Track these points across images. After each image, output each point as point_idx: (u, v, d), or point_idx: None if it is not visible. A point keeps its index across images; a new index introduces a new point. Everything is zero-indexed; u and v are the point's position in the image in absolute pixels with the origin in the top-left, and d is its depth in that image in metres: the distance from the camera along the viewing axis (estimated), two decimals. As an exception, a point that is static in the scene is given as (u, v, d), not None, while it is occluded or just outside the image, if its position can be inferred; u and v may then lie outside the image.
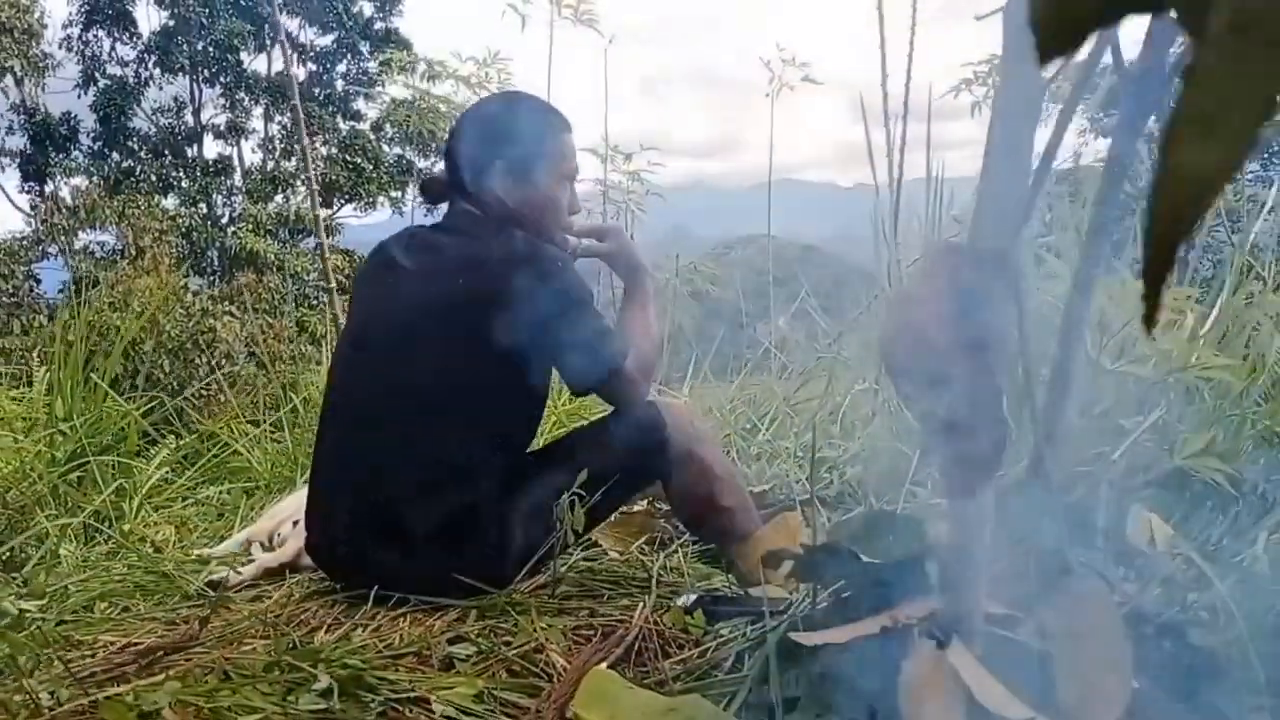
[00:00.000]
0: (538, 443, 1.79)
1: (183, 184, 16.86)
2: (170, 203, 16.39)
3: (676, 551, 1.91)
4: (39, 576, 1.94)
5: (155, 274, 13.40)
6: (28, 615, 1.65)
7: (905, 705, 1.11)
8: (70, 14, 16.08)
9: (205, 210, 16.73)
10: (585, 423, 2.11)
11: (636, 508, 2.11)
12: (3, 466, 2.46)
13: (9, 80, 15.01)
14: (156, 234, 14.49)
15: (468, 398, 1.58)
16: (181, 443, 3.22)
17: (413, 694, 1.24)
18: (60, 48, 15.94)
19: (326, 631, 1.50)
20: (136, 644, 1.49)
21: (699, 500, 1.70)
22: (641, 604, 1.51)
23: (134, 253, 14.06)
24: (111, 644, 1.51)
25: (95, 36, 16.32)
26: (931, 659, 1.14)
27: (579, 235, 1.77)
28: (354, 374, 1.68)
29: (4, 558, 2.16)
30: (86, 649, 1.51)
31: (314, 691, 1.20)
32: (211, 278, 15.83)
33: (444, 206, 1.77)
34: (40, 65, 15.12)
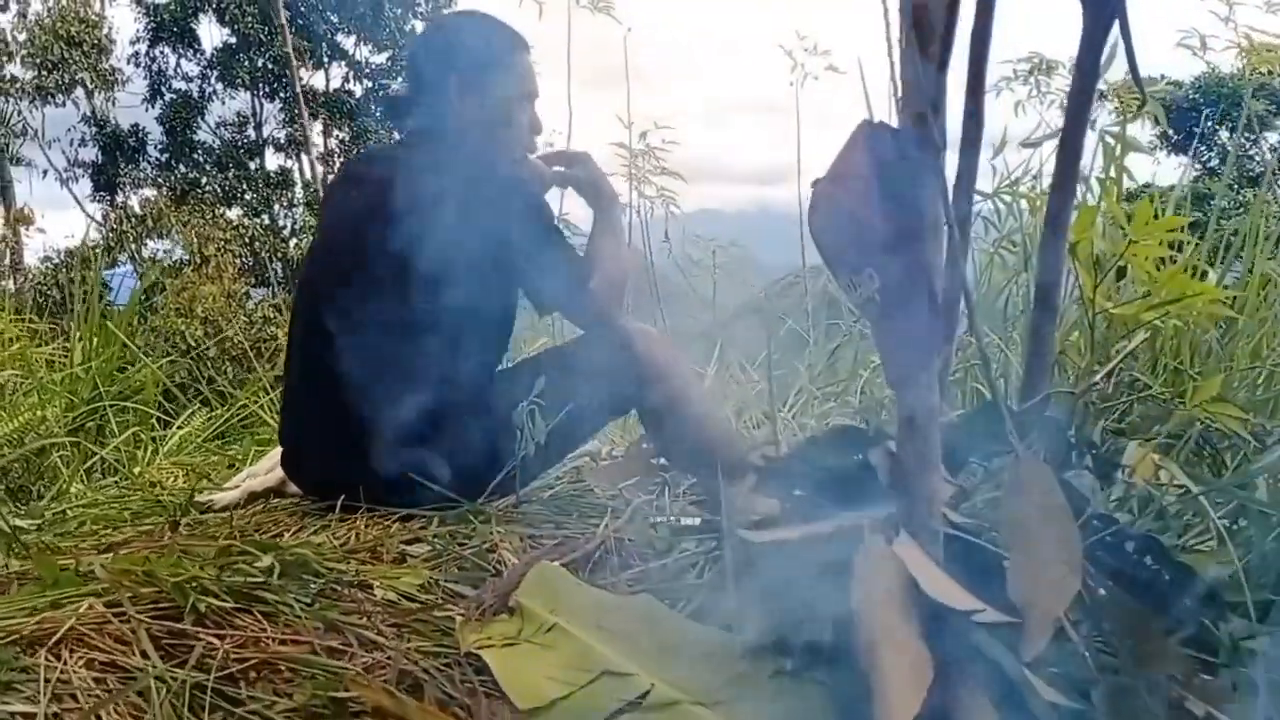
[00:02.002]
0: (505, 361, 1.79)
1: (246, 196, 17.28)
2: (234, 214, 16.83)
3: (665, 493, 1.88)
4: (42, 503, 1.99)
5: (219, 282, 13.76)
6: (21, 531, 1.69)
7: (854, 601, 1.08)
8: (137, 31, 16.61)
9: (267, 221, 17.12)
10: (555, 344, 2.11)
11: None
12: (24, 411, 2.52)
13: (80, 93, 15.57)
14: (220, 243, 14.86)
15: (425, 312, 1.58)
16: (213, 413, 3.30)
17: (356, 580, 1.25)
18: (128, 63, 16.49)
19: (290, 535, 1.51)
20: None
21: (672, 426, 1.68)
22: (606, 518, 1.50)
23: (199, 261, 14.44)
24: (88, 549, 1.54)
25: (161, 53, 16.82)
26: (880, 554, 1.11)
27: (548, 162, 1.77)
28: (315, 286, 1.70)
29: (15, 490, 2.22)
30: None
31: (256, 569, 1.21)
32: (274, 288, 16.19)
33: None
34: (109, 79, 15.66)
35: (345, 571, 1.27)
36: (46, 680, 0.92)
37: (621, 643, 1.14)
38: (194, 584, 1.12)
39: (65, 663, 0.96)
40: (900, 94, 1.06)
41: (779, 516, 1.32)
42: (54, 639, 0.99)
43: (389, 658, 1.04)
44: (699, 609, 1.23)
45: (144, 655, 0.99)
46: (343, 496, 1.58)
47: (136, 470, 2.42)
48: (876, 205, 1.04)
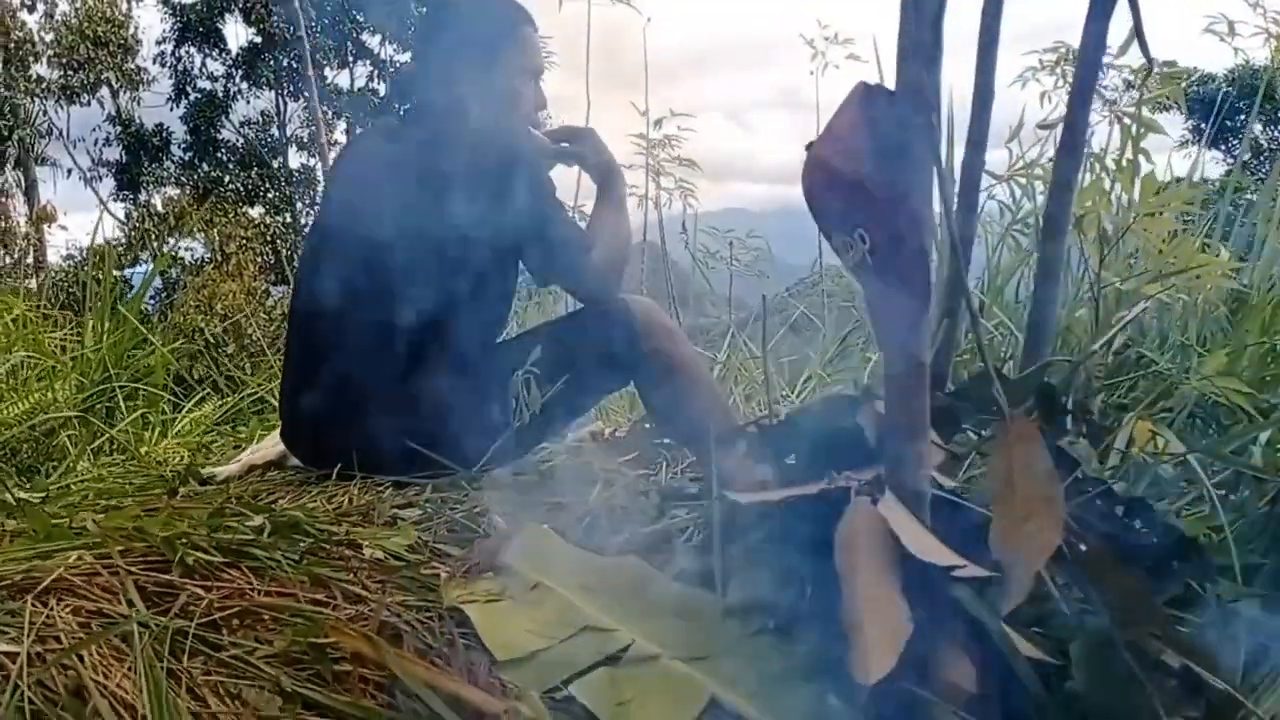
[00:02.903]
0: (506, 332, 1.80)
1: (268, 194, 17.41)
2: (256, 212, 16.95)
3: (665, 470, 1.89)
4: (49, 480, 2.02)
5: (239, 279, 13.88)
6: (24, 501, 1.71)
7: (839, 559, 1.08)
8: (163, 30, 16.79)
9: (289, 219, 17.24)
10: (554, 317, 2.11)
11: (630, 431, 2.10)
12: (34, 392, 2.55)
13: (105, 92, 15.75)
14: (242, 241, 14.99)
15: (424, 283, 1.59)
16: (224, 401, 3.33)
17: (346, 539, 1.25)
18: (154, 63, 16.66)
19: (284, 501, 1.52)
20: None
21: (669, 397, 1.68)
22: (598, 484, 1.51)
23: (220, 259, 14.57)
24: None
25: (187, 52, 16.98)
26: (865, 514, 1.11)
27: (553, 138, 1.78)
28: (318, 257, 1.71)
29: (24, 470, 2.25)
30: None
31: (246, 527, 1.22)
32: (294, 286, 16.25)
33: None
34: (135, 79, 15.83)
35: (335, 533, 1.28)
36: (31, 624, 0.93)
37: (606, 601, 1.14)
38: (184, 540, 1.14)
39: (52, 610, 0.98)
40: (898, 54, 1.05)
41: (770, 482, 1.32)
42: (41, 586, 1.00)
43: (372, 610, 1.05)
44: (685, 571, 1.23)
45: (130, 604, 1.00)
46: (339, 465, 1.59)
47: (144, 451, 2.44)
48: (868, 165, 1.04)
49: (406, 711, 0.88)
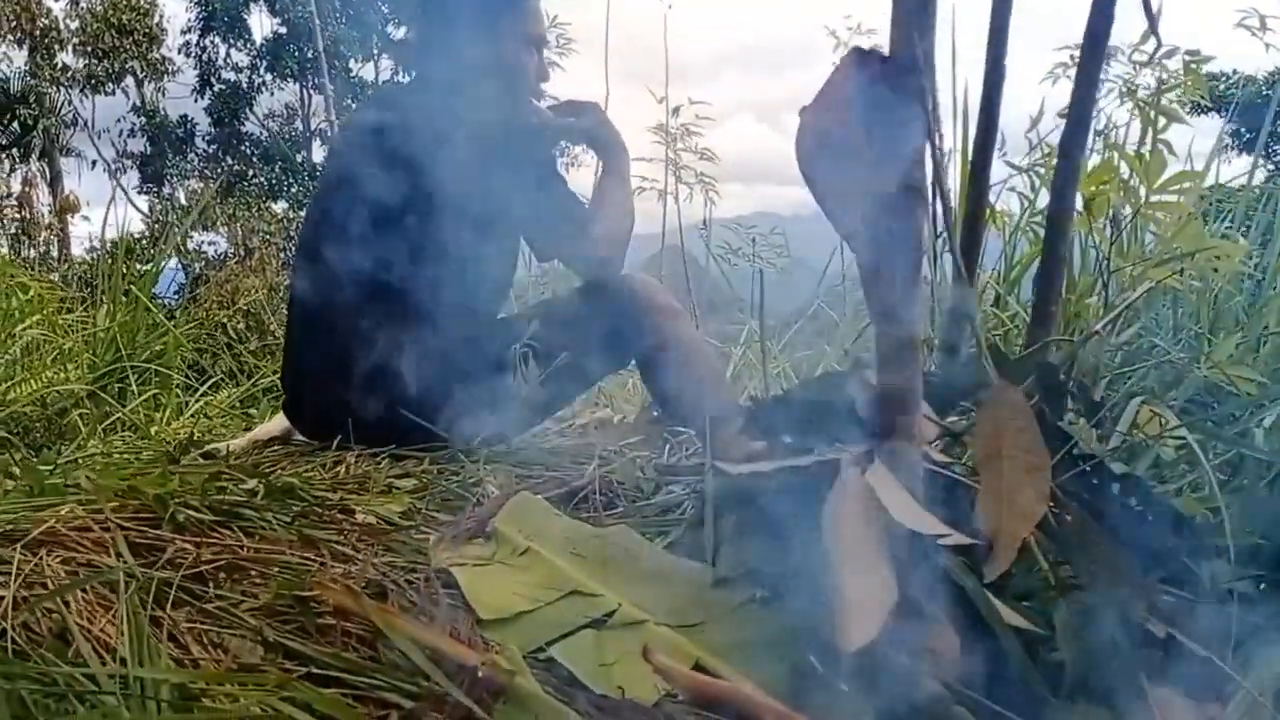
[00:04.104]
0: (506, 309, 1.80)
1: (292, 189, 17.49)
2: (279, 207, 17.04)
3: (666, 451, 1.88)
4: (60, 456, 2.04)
5: (262, 275, 13.94)
6: (24, 460, 1.73)
7: (826, 528, 1.08)
8: (188, 20, 16.89)
9: (312, 215, 17.29)
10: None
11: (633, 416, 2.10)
12: (47, 371, 2.58)
13: (129, 82, 15.88)
14: (265, 236, 15.07)
15: (424, 256, 1.60)
16: (238, 386, 3.36)
17: (339, 505, 1.26)
18: (179, 53, 16.78)
19: (284, 470, 1.53)
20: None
21: (668, 374, 1.68)
22: (595, 460, 1.51)
23: (243, 253, 14.65)
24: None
25: (211, 42, 17.09)
26: (854, 483, 1.10)
27: (556, 112, 1.77)
28: (317, 231, 1.72)
29: (36, 449, 2.27)
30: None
31: (240, 489, 1.23)
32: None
33: None
34: (160, 69, 15.96)
35: (330, 499, 1.29)
36: (20, 571, 0.94)
37: (595, 567, 1.15)
38: (177, 499, 1.15)
39: (41, 559, 0.99)
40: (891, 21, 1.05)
41: (763, 454, 1.32)
42: (30, 536, 1.01)
43: (359, 569, 1.05)
44: (676, 541, 1.23)
45: (118, 556, 1.01)
46: (339, 437, 1.60)
47: (153, 430, 2.46)
48: (861, 132, 1.04)
49: (387, 664, 0.89)
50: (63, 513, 1.08)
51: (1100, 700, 0.94)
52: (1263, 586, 1.14)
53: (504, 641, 0.97)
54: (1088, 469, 1.23)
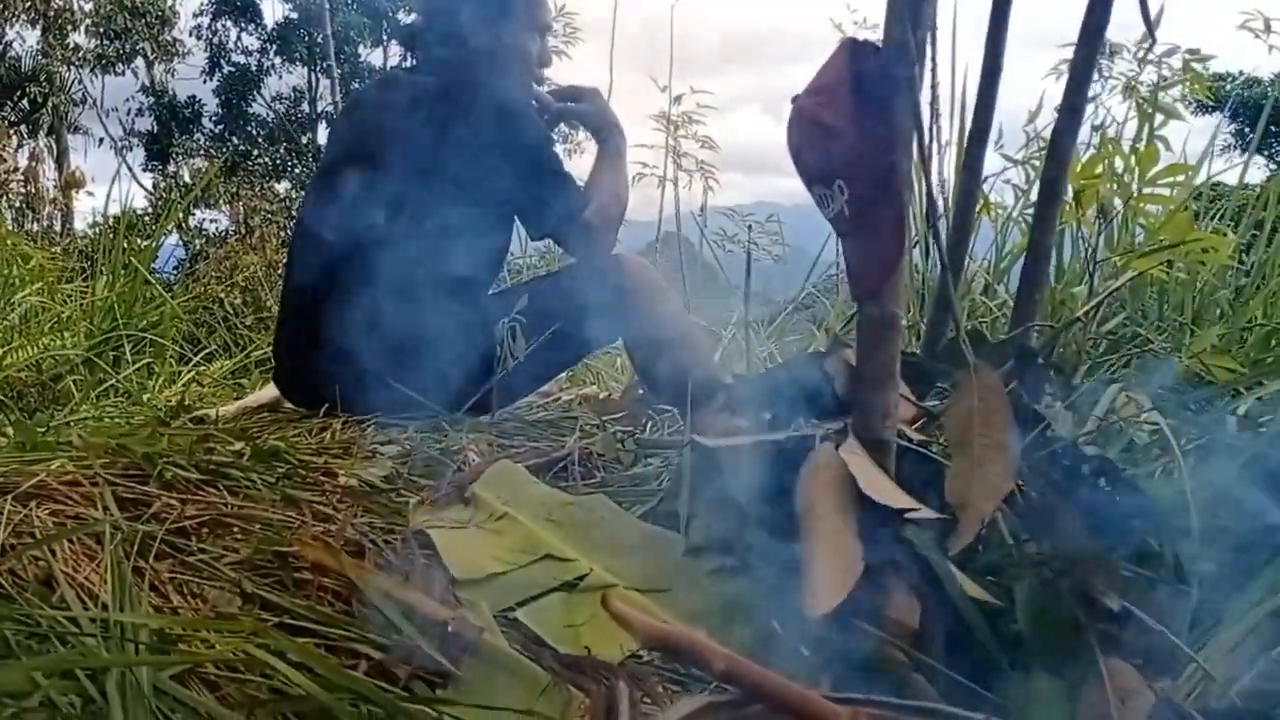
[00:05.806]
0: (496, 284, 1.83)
1: (296, 170, 17.49)
2: (282, 187, 17.05)
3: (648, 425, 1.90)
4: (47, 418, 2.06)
5: (261, 252, 13.96)
6: (16, 419, 1.76)
7: (799, 498, 1.10)
8: (201, 3, 16.92)
9: (314, 194, 17.30)
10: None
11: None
12: (44, 338, 2.61)
13: (139, 63, 15.91)
14: (266, 214, 15.08)
15: (418, 232, 1.62)
16: (231, 358, 3.38)
17: (323, 468, 1.29)
18: (190, 35, 16.80)
19: (271, 435, 1.56)
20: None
21: (654, 352, 1.70)
22: (576, 432, 1.53)
23: (243, 231, 14.67)
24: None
25: (223, 25, 17.11)
26: (827, 456, 1.13)
27: (556, 96, 1.80)
28: (315, 204, 1.74)
29: (30, 414, 2.30)
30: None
31: (227, 451, 1.26)
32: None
33: None
34: (170, 50, 15.98)
35: (315, 462, 1.31)
36: (9, 522, 0.97)
37: (569, 533, 1.17)
38: (165, 457, 1.17)
39: (30, 510, 1.01)
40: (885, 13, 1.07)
41: (741, 428, 1.34)
42: (21, 489, 1.04)
43: (338, 527, 1.08)
44: (650, 511, 1.26)
45: (105, 510, 1.04)
46: (326, 405, 1.63)
47: (146, 397, 2.49)
48: (847, 118, 1.06)
49: (360, 618, 0.91)
50: (53, 467, 1.10)
51: (1054, 670, 0.97)
52: (1222, 568, 1.16)
53: (476, 600, 1.00)
54: (1059, 450, 1.26)
